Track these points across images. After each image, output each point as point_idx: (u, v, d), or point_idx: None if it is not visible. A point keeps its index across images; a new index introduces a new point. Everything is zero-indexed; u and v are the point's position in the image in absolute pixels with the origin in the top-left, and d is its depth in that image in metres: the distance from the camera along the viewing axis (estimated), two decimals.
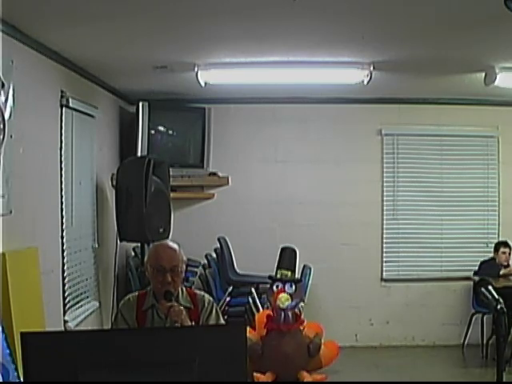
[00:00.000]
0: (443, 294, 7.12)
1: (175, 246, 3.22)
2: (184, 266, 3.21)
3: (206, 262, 6.62)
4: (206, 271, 6.54)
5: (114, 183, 5.53)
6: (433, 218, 7.18)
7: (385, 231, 7.19)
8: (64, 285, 4.76)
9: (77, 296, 5.08)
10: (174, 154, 6.73)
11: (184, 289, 3.23)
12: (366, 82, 5.31)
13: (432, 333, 7.11)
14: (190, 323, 3.04)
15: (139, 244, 5.76)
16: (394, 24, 3.94)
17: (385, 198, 7.19)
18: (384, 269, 7.19)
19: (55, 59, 4.54)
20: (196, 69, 5.13)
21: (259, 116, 7.11)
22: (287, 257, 6.14)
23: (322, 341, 5.83)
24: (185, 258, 3.23)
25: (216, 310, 3.22)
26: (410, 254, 7.20)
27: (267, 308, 6.02)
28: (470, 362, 6.58)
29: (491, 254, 6.87)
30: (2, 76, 3.46)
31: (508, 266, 6.77)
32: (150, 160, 5.29)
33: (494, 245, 6.92)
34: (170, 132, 6.88)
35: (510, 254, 6.78)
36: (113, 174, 5.93)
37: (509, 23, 3.62)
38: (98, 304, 5.57)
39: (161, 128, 6.74)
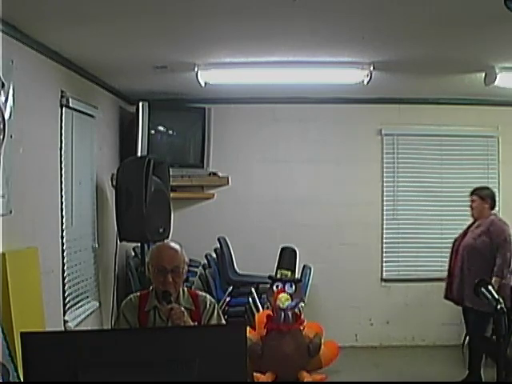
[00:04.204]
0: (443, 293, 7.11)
1: (177, 246, 3.20)
2: (186, 267, 3.19)
3: (205, 261, 6.61)
4: (206, 271, 6.53)
5: (114, 183, 5.53)
6: (433, 217, 7.18)
7: (385, 231, 7.19)
8: (64, 285, 4.76)
9: (77, 296, 5.08)
10: (174, 154, 6.73)
11: (186, 290, 3.21)
12: (366, 82, 5.31)
13: (432, 333, 7.11)
14: (192, 324, 3.02)
15: (139, 244, 5.75)
16: (394, 24, 3.94)
17: (385, 198, 7.18)
18: (384, 269, 7.19)
19: (55, 59, 4.54)
20: (196, 69, 5.13)
21: (259, 116, 7.11)
22: (287, 257, 6.14)
23: (322, 341, 5.83)
24: (187, 259, 3.21)
25: (218, 311, 3.21)
26: (409, 254, 7.19)
27: (267, 308, 6.02)
28: None
29: None
30: (2, 76, 3.46)
31: None
32: (150, 160, 5.29)
33: None
34: (170, 132, 6.88)
35: None
36: (113, 174, 5.93)
37: (509, 23, 3.62)
38: (97, 304, 5.57)
39: (161, 128, 6.74)
